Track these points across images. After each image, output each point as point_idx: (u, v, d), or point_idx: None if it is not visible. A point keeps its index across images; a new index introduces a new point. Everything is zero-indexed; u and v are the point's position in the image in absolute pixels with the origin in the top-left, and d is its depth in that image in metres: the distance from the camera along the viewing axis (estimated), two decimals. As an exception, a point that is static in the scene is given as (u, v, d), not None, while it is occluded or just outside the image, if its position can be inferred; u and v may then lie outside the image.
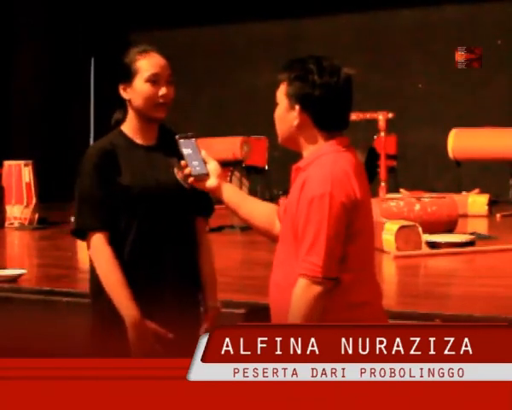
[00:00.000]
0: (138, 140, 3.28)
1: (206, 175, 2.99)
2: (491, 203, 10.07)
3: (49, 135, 13.66)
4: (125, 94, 3.24)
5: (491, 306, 4.38)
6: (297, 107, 2.75)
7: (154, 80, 3.19)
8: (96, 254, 3.19)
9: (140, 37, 11.96)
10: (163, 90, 3.20)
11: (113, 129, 3.30)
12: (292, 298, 2.67)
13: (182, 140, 3.05)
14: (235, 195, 3.06)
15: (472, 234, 7.39)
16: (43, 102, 13.77)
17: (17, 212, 9.27)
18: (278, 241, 2.88)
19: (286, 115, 2.78)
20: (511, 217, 9.71)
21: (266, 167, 12.86)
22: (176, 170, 3.26)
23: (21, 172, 9.31)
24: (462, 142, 11.11)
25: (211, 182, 3.00)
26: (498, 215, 9.68)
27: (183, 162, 3.01)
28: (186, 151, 3.03)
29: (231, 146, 12.21)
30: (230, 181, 12.17)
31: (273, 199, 10.52)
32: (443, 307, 4.23)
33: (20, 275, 5.36)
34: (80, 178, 3.20)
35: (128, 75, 3.21)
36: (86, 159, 3.20)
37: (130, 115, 3.27)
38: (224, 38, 13.99)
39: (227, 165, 12.10)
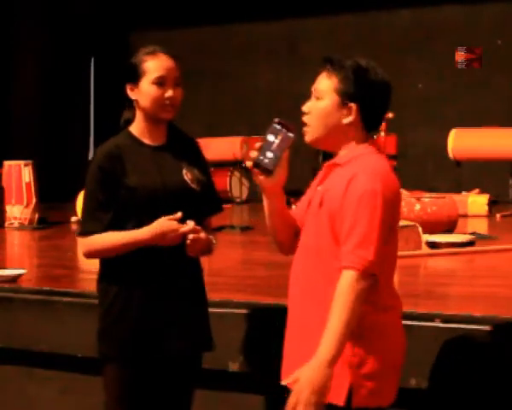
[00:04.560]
0: (146, 140, 3.26)
1: (270, 172, 2.74)
2: (491, 203, 10.05)
3: (49, 135, 13.63)
4: (131, 94, 3.24)
5: (491, 306, 4.37)
6: (353, 105, 2.72)
7: (160, 83, 3.17)
8: (93, 241, 3.18)
9: (140, 37, 11.95)
10: (169, 93, 3.18)
11: (123, 129, 3.30)
12: (337, 291, 2.56)
13: (278, 126, 2.74)
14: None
15: (472, 234, 7.38)
16: (43, 102, 13.75)
17: (17, 212, 9.24)
18: (300, 240, 2.81)
19: (334, 112, 2.73)
20: (511, 217, 9.70)
21: (266, 167, 12.84)
22: (184, 171, 3.24)
23: (21, 172, 9.27)
24: (462, 142, 11.09)
25: (269, 182, 2.78)
26: (498, 215, 9.66)
27: (257, 144, 2.78)
28: (270, 137, 2.75)
29: (231, 146, 12.19)
30: (230, 181, 12.16)
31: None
32: (443, 307, 4.21)
33: (20, 275, 5.35)
34: (86, 182, 3.21)
35: (135, 76, 3.20)
36: (92, 162, 3.21)
37: (138, 115, 3.26)
38: (224, 38, 13.97)
39: (227, 165, 12.09)
